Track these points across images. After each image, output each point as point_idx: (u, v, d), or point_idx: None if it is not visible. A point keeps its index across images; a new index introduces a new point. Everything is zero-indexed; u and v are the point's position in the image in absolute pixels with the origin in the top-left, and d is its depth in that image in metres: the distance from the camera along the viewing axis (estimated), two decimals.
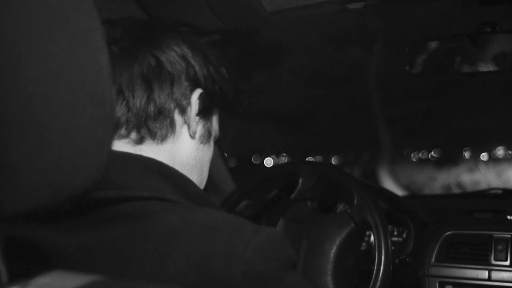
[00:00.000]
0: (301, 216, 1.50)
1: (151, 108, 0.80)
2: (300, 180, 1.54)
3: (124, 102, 0.78)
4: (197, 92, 0.86)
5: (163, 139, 0.82)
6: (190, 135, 0.86)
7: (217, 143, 2.14)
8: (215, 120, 0.93)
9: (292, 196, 1.54)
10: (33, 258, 0.64)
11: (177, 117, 0.84)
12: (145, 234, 0.65)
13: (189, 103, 0.85)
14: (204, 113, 0.88)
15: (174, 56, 0.83)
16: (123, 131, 0.79)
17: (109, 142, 0.51)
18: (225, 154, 2.24)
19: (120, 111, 0.78)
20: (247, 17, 1.38)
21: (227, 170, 2.19)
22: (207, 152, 0.92)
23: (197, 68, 0.85)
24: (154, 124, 0.81)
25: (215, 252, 0.63)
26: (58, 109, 0.45)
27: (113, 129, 0.52)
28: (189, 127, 0.86)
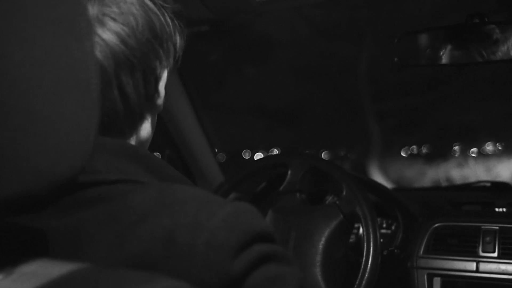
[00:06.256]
0: (290, 208, 1.50)
1: (121, 108, 0.77)
2: (289, 172, 1.54)
3: None
4: (165, 74, 0.83)
5: (129, 136, 0.81)
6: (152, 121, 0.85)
7: (206, 137, 2.14)
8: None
9: (281, 188, 1.54)
10: (7, 246, 0.63)
11: (147, 113, 0.83)
12: (111, 216, 0.64)
13: (157, 93, 0.83)
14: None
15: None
16: None
17: (95, 129, 0.51)
18: (215, 150, 2.24)
19: None
20: (236, 7, 1.38)
21: (216, 163, 2.19)
22: (156, 114, 0.88)
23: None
24: (122, 124, 0.79)
25: (179, 223, 0.62)
26: (43, 95, 0.45)
27: (99, 115, 0.52)
28: (154, 115, 0.85)
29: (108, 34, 0.74)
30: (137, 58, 0.77)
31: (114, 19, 0.75)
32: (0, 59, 0.42)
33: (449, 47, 1.38)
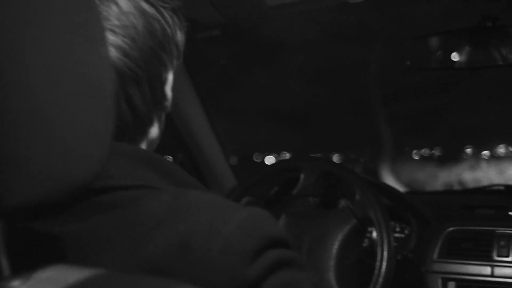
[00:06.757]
0: (303, 212, 1.50)
1: (130, 119, 0.76)
2: (302, 176, 1.54)
3: None
4: (170, 76, 0.82)
5: (140, 141, 0.81)
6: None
7: (218, 140, 2.15)
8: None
9: (294, 192, 1.54)
10: (23, 252, 0.63)
11: (155, 118, 0.82)
12: (126, 221, 0.63)
13: (164, 97, 0.82)
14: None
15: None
16: None
17: (110, 134, 0.51)
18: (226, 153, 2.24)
19: None
20: (247, 11, 1.38)
21: (228, 166, 2.19)
22: (163, 115, 0.87)
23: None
24: (132, 132, 0.78)
25: (194, 230, 0.62)
26: (59, 101, 0.45)
27: (114, 121, 0.52)
28: (162, 116, 0.84)
29: (109, 49, 0.73)
30: (142, 68, 0.75)
31: (114, 32, 0.73)
32: (16, 65, 0.42)
33: (467, 49, 1.37)
